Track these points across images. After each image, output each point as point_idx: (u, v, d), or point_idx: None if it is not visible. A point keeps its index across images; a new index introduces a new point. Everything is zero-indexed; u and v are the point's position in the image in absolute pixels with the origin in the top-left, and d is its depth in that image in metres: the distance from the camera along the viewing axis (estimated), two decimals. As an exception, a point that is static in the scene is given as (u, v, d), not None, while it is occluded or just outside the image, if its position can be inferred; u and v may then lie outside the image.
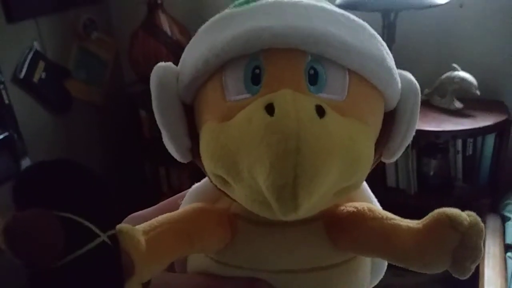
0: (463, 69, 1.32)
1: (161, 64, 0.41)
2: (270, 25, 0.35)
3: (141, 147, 1.80)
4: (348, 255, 0.40)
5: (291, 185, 0.30)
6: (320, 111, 0.32)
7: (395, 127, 0.40)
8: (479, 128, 1.26)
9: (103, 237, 0.30)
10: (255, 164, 0.31)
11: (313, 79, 0.35)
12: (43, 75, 1.57)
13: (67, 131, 1.74)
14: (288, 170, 0.30)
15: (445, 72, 1.34)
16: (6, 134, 1.40)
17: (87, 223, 0.30)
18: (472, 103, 1.35)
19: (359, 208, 0.40)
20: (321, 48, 0.35)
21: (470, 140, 1.33)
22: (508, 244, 1.18)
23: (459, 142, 1.33)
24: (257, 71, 0.35)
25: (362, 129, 0.35)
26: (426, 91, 1.39)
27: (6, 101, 1.42)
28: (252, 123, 0.32)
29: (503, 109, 1.35)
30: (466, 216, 0.35)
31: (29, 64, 1.52)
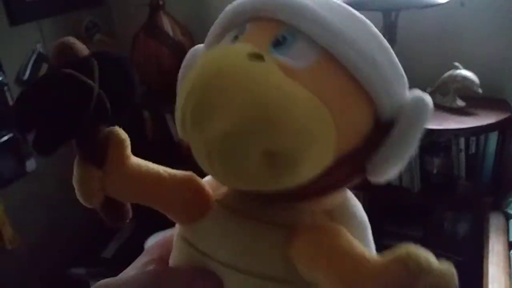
0: (465, 68, 1.32)
1: (195, 47, 0.44)
2: None
3: (144, 148, 1.81)
4: (301, 278, 0.37)
5: (187, 110, 0.32)
6: (258, 57, 0.33)
7: (386, 138, 0.37)
8: (482, 126, 1.26)
9: (95, 88, 0.36)
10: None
11: (279, 43, 0.36)
12: (47, 77, 1.58)
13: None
14: (191, 90, 0.32)
15: (447, 71, 1.34)
16: (10, 135, 1.41)
17: (96, 71, 0.37)
18: (474, 101, 1.35)
19: (325, 232, 0.37)
20: (294, 17, 0.36)
21: (473, 138, 1.33)
22: (512, 242, 1.18)
23: (462, 141, 1.33)
24: (240, 34, 0.38)
25: (307, 97, 0.34)
26: (428, 89, 1.39)
27: (10, 103, 1.43)
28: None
29: (506, 107, 1.35)
30: (432, 259, 0.29)
31: (32, 66, 1.53)
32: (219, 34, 0.43)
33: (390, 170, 0.38)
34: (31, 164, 1.47)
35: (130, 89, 0.41)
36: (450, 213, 1.46)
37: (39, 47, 1.57)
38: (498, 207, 1.32)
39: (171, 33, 1.64)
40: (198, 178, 0.45)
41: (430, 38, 1.45)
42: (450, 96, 1.35)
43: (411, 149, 0.37)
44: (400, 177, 1.39)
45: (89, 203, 0.43)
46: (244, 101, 0.31)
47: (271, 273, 0.38)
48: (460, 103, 1.34)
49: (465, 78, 1.30)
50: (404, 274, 0.29)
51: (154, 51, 1.63)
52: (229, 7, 0.41)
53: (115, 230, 1.73)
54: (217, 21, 0.43)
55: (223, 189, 0.45)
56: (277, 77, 0.33)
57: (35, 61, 1.54)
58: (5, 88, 1.41)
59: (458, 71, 1.32)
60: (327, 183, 0.37)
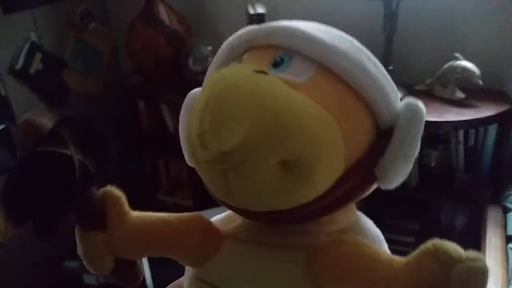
0: (466, 59, 1.31)
1: (193, 91, 0.45)
2: (251, 28, 0.42)
3: (140, 139, 1.79)
4: None
5: (206, 119, 0.32)
6: (261, 73, 0.35)
7: (389, 144, 0.39)
8: (481, 119, 1.24)
9: (74, 155, 0.36)
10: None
11: (278, 64, 0.39)
12: (40, 66, 1.56)
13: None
14: (205, 106, 0.33)
15: (447, 62, 1.33)
16: (3, 126, 1.39)
17: (68, 139, 0.37)
18: (474, 93, 1.33)
19: (346, 243, 0.38)
20: (288, 40, 0.39)
21: (472, 130, 1.32)
22: (509, 235, 1.17)
23: (461, 133, 1.32)
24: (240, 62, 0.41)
25: (312, 104, 0.35)
26: (428, 81, 1.37)
27: (3, 93, 1.41)
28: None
29: (506, 99, 1.33)
30: (460, 250, 0.31)
31: (25, 56, 1.51)
32: (218, 68, 0.44)
33: (397, 174, 0.40)
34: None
35: (105, 144, 0.41)
36: (448, 206, 1.45)
37: (33, 36, 1.55)
38: (496, 200, 1.31)
39: (167, 22, 1.61)
40: (204, 217, 0.45)
41: (430, 29, 1.43)
42: (450, 87, 1.33)
43: (414, 152, 0.40)
44: (398, 169, 1.38)
45: (100, 269, 0.44)
46: (257, 111, 0.32)
47: None
48: (459, 94, 1.32)
49: (465, 69, 1.28)
50: (436, 266, 0.30)
51: (151, 40, 1.60)
52: (225, 43, 0.44)
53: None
54: (214, 58, 0.45)
55: (233, 225, 0.44)
56: (283, 87, 0.35)
57: (28, 50, 1.52)
58: (-2, 77, 1.39)
59: (458, 62, 1.30)
60: (341, 194, 0.38)
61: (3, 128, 1.39)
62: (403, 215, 1.48)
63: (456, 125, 1.26)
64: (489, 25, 1.37)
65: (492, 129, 1.31)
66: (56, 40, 1.67)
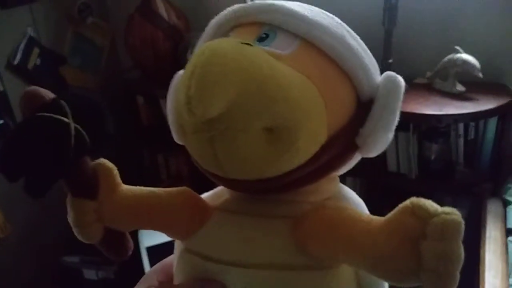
0: (466, 52, 1.30)
1: (180, 72, 0.45)
2: (237, 6, 0.43)
3: (139, 134, 1.79)
4: (314, 261, 0.38)
5: (192, 85, 0.33)
6: (246, 44, 0.36)
7: (369, 115, 0.40)
8: (481, 112, 1.24)
9: (71, 123, 0.39)
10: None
11: (262, 39, 0.40)
12: (38, 61, 1.55)
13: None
14: (191, 73, 0.33)
15: (447, 55, 1.32)
16: (1, 122, 1.38)
17: (67, 109, 0.39)
18: (475, 86, 1.33)
19: (327, 208, 0.39)
20: (271, 16, 0.41)
21: (472, 124, 1.32)
22: (509, 229, 1.17)
23: (461, 126, 1.32)
24: None
25: (294, 74, 0.36)
26: (428, 74, 1.37)
27: (1, 88, 1.41)
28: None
29: (506, 92, 1.33)
30: (437, 206, 0.31)
31: (23, 51, 1.50)
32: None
33: (378, 143, 0.41)
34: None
35: (103, 121, 0.43)
36: (448, 199, 1.45)
37: (30, 31, 1.54)
38: (496, 193, 1.31)
39: (165, 16, 1.60)
40: (192, 191, 0.46)
41: (430, 21, 1.42)
42: (450, 80, 1.33)
43: (393, 120, 0.41)
44: (397, 163, 1.38)
45: (89, 237, 0.44)
46: (242, 78, 0.33)
47: (279, 261, 0.39)
48: (459, 88, 1.32)
49: (465, 62, 1.28)
50: (414, 221, 0.31)
51: (149, 35, 1.59)
52: (211, 22, 0.45)
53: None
54: (201, 36, 0.46)
55: (221, 199, 0.45)
56: (268, 57, 0.36)
57: (26, 45, 1.51)
58: (-4, 72, 1.38)
59: (458, 55, 1.30)
60: (324, 162, 0.39)
61: (1, 124, 1.38)
62: (403, 209, 1.48)
63: (456, 118, 1.26)
64: (490, 18, 1.36)
65: (492, 122, 1.30)
66: (54, 35, 1.67)
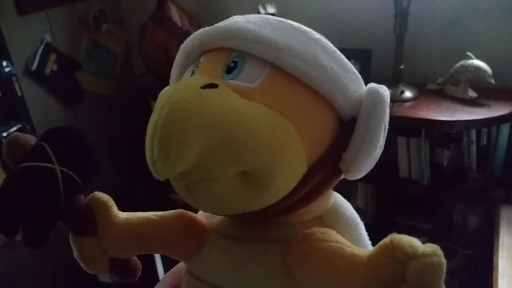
0: (478, 58, 1.30)
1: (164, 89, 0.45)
2: (204, 31, 0.41)
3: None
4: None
5: (155, 147, 0.32)
6: (211, 86, 0.34)
7: (351, 138, 0.38)
8: (494, 118, 1.23)
9: (56, 167, 0.39)
10: None
11: (231, 69, 0.38)
12: (55, 67, 1.58)
13: (78, 123, 1.75)
14: (153, 133, 0.32)
15: (459, 61, 1.32)
16: (19, 126, 1.41)
17: (50, 152, 0.39)
18: (487, 92, 1.32)
19: (314, 239, 0.38)
20: (237, 42, 0.38)
21: (485, 130, 1.31)
22: (523, 235, 1.16)
23: (473, 132, 1.31)
24: (196, 69, 0.40)
25: (265, 112, 0.35)
26: (440, 80, 1.37)
27: (19, 93, 1.44)
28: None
29: (519, 98, 1.32)
30: (417, 244, 0.29)
31: (40, 57, 1.53)
32: (179, 73, 0.45)
33: (362, 167, 0.39)
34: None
35: (89, 153, 0.42)
36: (460, 205, 1.45)
37: (47, 37, 1.57)
38: (509, 200, 1.30)
39: (179, 23, 1.63)
40: (188, 213, 0.46)
41: (442, 27, 1.42)
42: (461, 86, 1.33)
43: (377, 142, 0.38)
44: (409, 169, 1.38)
45: (97, 270, 0.45)
46: (205, 130, 0.32)
47: (268, 287, 0.39)
48: (472, 94, 1.32)
49: (477, 68, 1.28)
50: (393, 264, 0.30)
51: (163, 41, 1.62)
52: (181, 48, 0.44)
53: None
54: (175, 61, 0.45)
55: (216, 219, 0.45)
56: (231, 100, 0.34)
57: (43, 51, 1.54)
58: (14, 78, 1.41)
59: (470, 61, 1.29)
60: (309, 190, 0.39)
61: (19, 128, 1.41)
62: (415, 215, 1.47)
63: (468, 124, 1.26)
64: (501, 24, 1.36)
65: (505, 129, 1.29)
66: (70, 41, 1.70)
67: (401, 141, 1.33)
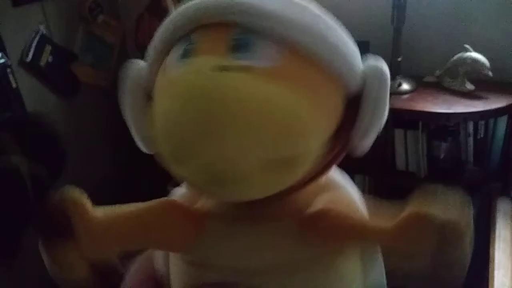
0: (475, 50, 1.29)
1: (132, 60, 0.45)
2: (199, 4, 0.39)
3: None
4: (323, 250, 0.40)
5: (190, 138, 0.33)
6: (222, 69, 0.33)
7: (359, 113, 0.39)
8: (491, 110, 1.23)
9: (20, 165, 0.33)
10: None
11: (238, 47, 0.36)
12: (50, 59, 1.56)
13: (75, 115, 1.74)
14: (188, 128, 0.32)
15: (457, 53, 1.32)
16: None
17: (11, 144, 0.34)
18: (484, 84, 1.32)
19: (331, 206, 0.40)
20: (240, 16, 0.36)
21: (482, 122, 1.31)
22: (519, 228, 1.16)
23: (470, 125, 1.31)
24: (189, 46, 0.38)
25: (282, 94, 0.34)
26: (437, 72, 1.37)
27: (14, 85, 1.42)
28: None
29: (516, 90, 1.32)
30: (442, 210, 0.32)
31: (35, 48, 1.51)
32: (162, 50, 0.43)
33: (370, 140, 0.40)
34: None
35: (54, 145, 0.38)
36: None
37: (42, 29, 1.56)
38: (506, 192, 1.30)
39: (175, 14, 1.62)
40: (175, 201, 0.44)
41: (439, 19, 1.41)
42: (459, 79, 1.32)
43: (384, 115, 0.39)
44: (406, 161, 1.38)
45: (76, 279, 0.39)
46: (229, 120, 0.32)
47: (292, 259, 0.40)
48: (469, 86, 1.31)
49: (475, 61, 1.27)
50: (420, 227, 0.32)
51: (159, 33, 1.61)
52: (167, 20, 0.42)
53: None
54: (156, 36, 0.43)
55: (203, 201, 0.45)
56: (249, 84, 0.33)
57: (38, 42, 1.53)
58: (8, 70, 1.40)
59: (468, 54, 1.29)
60: (321, 167, 0.39)
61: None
62: (411, 207, 1.48)
63: (466, 116, 1.26)
64: (499, 16, 1.35)
65: (502, 121, 1.30)
66: (65, 33, 1.68)
67: (399, 133, 1.33)
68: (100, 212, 0.42)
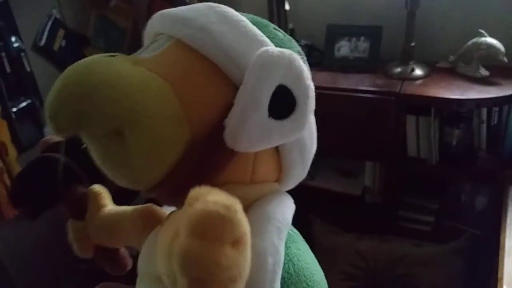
0: (490, 35, 1.27)
1: None
2: (152, 17, 0.50)
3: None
4: None
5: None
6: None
7: (234, 100, 0.37)
8: (505, 97, 1.22)
9: (60, 158, 0.49)
10: None
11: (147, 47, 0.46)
12: (63, 43, 1.58)
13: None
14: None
15: (471, 38, 1.29)
16: (28, 101, 1.42)
17: (61, 149, 0.51)
18: (499, 70, 1.30)
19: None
20: (160, 25, 0.47)
21: (495, 109, 1.29)
22: (531, 215, 1.15)
23: (484, 111, 1.30)
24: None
25: (142, 74, 0.37)
26: (451, 58, 1.35)
27: (28, 69, 1.44)
28: None
29: (532, 77, 1.30)
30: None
31: (49, 32, 1.52)
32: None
33: (246, 132, 0.36)
34: (49, 130, 1.49)
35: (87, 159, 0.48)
36: (468, 185, 1.44)
37: (55, 13, 1.56)
38: (519, 180, 1.29)
39: (187, -1, 1.61)
40: (154, 208, 0.50)
41: (454, 4, 1.39)
42: (473, 64, 1.31)
43: (256, 103, 0.35)
44: (418, 148, 1.37)
45: (81, 252, 0.54)
46: (79, 87, 0.37)
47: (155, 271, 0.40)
48: (483, 72, 1.30)
49: (490, 46, 1.25)
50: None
51: (170, 17, 1.60)
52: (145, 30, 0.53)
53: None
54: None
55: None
56: (115, 62, 0.38)
57: (51, 26, 1.54)
58: (22, 54, 1.41)
59: (482, 39, 1.27)
60: (210, 165, 0.37)
61: (28, 104, 1.42)
62: (422, 194, 1.47)
63: (479, 103, 1.24)
64: (517, 0, 1.33)
65: (516, 108, 1.28)
66: (78, 17, 1.69)
67: (410, 119, 1.32)
68: (110, 207, 0.54)
